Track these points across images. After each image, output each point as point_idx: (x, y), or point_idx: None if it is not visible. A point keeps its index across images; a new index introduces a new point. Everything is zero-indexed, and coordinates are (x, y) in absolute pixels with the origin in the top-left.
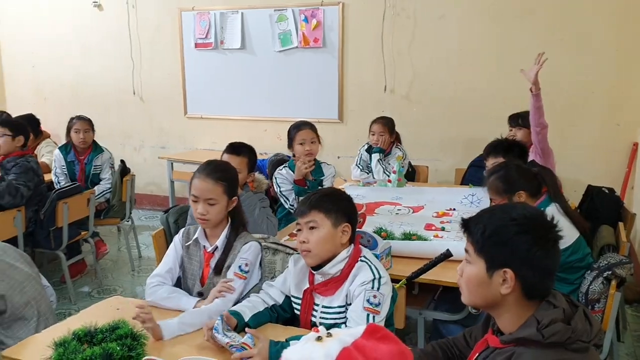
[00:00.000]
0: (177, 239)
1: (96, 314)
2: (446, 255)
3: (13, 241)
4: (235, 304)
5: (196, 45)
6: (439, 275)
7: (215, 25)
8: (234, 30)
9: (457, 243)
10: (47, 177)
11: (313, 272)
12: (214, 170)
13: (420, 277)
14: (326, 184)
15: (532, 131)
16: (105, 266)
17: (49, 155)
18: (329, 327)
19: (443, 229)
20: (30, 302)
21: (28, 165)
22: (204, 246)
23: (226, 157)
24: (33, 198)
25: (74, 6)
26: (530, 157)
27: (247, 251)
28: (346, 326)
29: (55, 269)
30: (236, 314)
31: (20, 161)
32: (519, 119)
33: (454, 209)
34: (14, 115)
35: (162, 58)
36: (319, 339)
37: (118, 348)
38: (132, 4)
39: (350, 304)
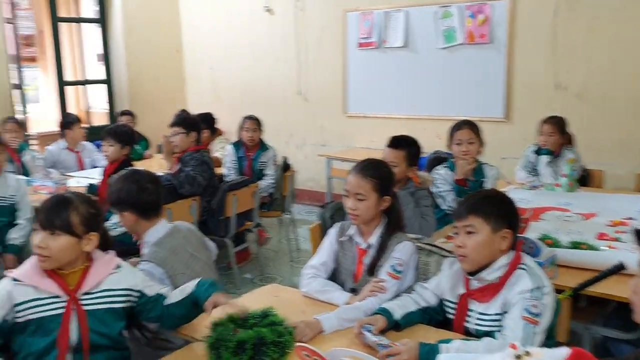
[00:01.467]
0: (333, 233)
1: (255, 300)
2: (618, 268)
3: None
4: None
5: (359, 45)
6: (611, 288)
7: (378, 24)
8: (397, 28)
9: (632, 255)
10: (218, 171)
11: (469, 277)
12: (367, 167)
13: (589, 289)
14: (487, 186)
15: None
16: (267, 255)
17: (222, 151)
18: (483, 334)
19: (618, 239)
20: (188, 265)
21: (202, 159)
22: (358, 243)
23: (386, 151)
24: (207, 189)
25: (247, 11)
26: None
27: (401, 251)
28: (502, 335)
29: (223, 255)
30: (385, 312)
31: (196, 155)
32: None
33: (632, 218)
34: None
35: (326, 59)
36: (518, 357)
37: (269, 334)
38: (300, 7)
39: (507, 312)
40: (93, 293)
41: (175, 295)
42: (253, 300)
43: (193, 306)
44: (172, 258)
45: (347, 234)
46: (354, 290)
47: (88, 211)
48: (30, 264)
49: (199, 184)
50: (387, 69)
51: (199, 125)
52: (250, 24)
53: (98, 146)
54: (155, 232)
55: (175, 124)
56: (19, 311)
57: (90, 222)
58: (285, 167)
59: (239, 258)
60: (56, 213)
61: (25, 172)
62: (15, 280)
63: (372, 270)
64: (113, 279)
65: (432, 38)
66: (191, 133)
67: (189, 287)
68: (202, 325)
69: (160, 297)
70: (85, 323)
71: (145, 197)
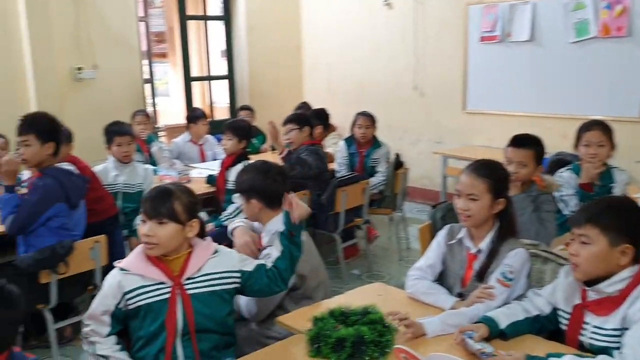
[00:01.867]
0: (441, 235)
1: (359, 297)
2: None
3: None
4: None
5: (481, 39)
6: None
7: (502, 17)
8: (523, 21)
9: None
10: (330, 166)
11: (586, 287)
12: (482, 166)
13: None
14: (616, 192)
15: None
16: (376, 253)
17: (334, 146)
18: (598, 350)
19: None
20: (320, 285)
21: (315, 150)
22: (468, 247)
23: (510, 150)
24: (318, 183)
25: (366, 6)
26: None
27: (513, 257)
28: (620, 353)
29: (331, 250)
30: (489, 320)
31: (310, 148)
32: None
33: None
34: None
35: (445, 53)
36: None
37: (370, 332)
38: (420, 1)
39: (627, 329)
40: (195, 278)
41: (273, 256)
42: (357, 297)
43: (291, 247)
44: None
45: (457, 237)
46: (461, 295)
47: (189, 200)
48: (135, 253)
49: (310, 166)
50: (511, 63)
51: (311, 120)
52: (368, 19)
53: (219, 140)
54: (278, 221)
55: (288, 120)
56: (130, 299)
57: (191, 209)
58: (398, 164)
59: (347, 254)
60: (162, 203)
61: (152, 162)
62: (123, 270)
63: (481, 276)
64: (212, 263)
65: (561, 31)
66: (304, 128)
67: (277, 243)
68: (305, 318)
69: (261, 267)
70: (190, 306)
71: (272, 186)
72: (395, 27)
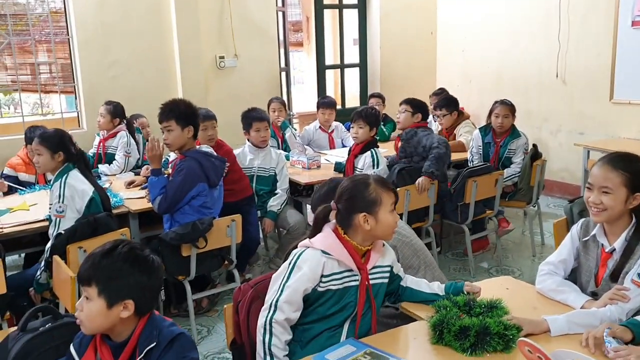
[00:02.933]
0: (575, 230)
1: (485, 289)
2: None
3: (424, 211)
4: (636, 314)
5: (633, 23)
6: None
7: None
8: None
9: None
10: (462, 155)
11: None
12: (617, 158)
13: None
14: None
15: None
16: (506, 247)
17: (466, 135)
18: None
19: None
20: (418, 253)
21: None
22: (602, 244)
23: None
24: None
25: None
26: None
27: None
28: None
29: (460, 241)
30: (636, 325)
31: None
32: None
33: None
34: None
35: (592, 39)
36: None
37: (495, 324)
38: None
39: None
40: (374, 268)
41: (417, 283)
42: (483, 290)
43: (431, 300)
44: (401, 244)
45: (591, 233)
46: (594, 294)
47: None
48: (332, 238)
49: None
50: None
51: (423, 107)
52: (508, 5)
53: (348, 128)
54: None
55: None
56: (324, 282)
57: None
58: (536, 155)
59: (476, 246)
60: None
61: (285, 147)
62: (325, 253)
63: (615, 275)
64: (383, 257)
65: None
66: (417, 114)
67: (436, 288)
68: (427, 305)
69: (398, 277)
70: (372, 294)
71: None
72: (537, 12)
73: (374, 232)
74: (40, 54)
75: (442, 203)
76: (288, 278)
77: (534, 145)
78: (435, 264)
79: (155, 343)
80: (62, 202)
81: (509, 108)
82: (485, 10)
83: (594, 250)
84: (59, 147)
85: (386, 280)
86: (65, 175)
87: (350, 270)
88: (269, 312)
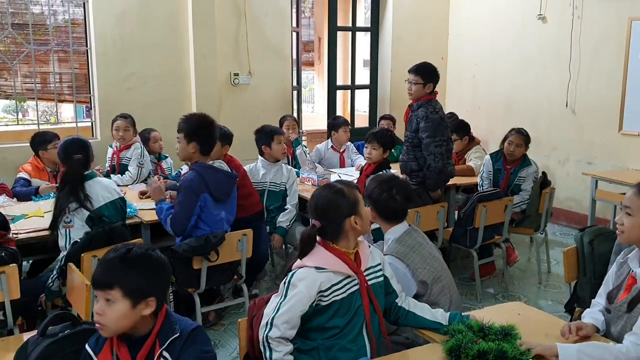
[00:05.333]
0: (619, 255)
1: (496, 314)
2: None
3: (432, 233)
4: None
5: None
6: None
7: None
8: None
9: None
10: (471, 180)
11: None
12: None
13: None
14: None
15: None
16: (513, 273)
17: (476, 160)
18: None
19: None
20: (444, 290)
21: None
22: (631, 269)
23: None
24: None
25: (518, 20)
26: None
27: None
28: None
29: (467, 265)
30: None
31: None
32: None
33: None
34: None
35: (603, 70)
36: None
37: (511, 349)
38: (577, 15)
39: None
40: (367, 270)
41: (421, 309)
42: (495, 315)
43: (433, 327)
44: (411, 253)
45: (627, 255)
46: (608, 311)
47: None
48: (322, 251)
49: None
50: None
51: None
52: (520, 33)
53: (358, 147)
54: (396, 230)
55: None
56: (326, 296)
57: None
58: (545, 182)
59: (483, 271)
60: None
61: (296, 164)
62: (319, 268)
63: (634, 303)
64: (372, 256)
65: None
66: (464, 137)
67: (439, 316)
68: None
69: (393, 291)
70: (373, 296)
71: (390, 205)
72: (549, 41)
73: (362, 229)
74: (52, 62)
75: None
76: (284, 297)
77: (543, 173)
78: (450, 278)
79: (178, 334)
80: (68, 213)
81: (523, 138)
82: (497, 38)
83: (625, 271)
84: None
85: (381, 279)
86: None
87: (349, 276)
88: (265, 328)
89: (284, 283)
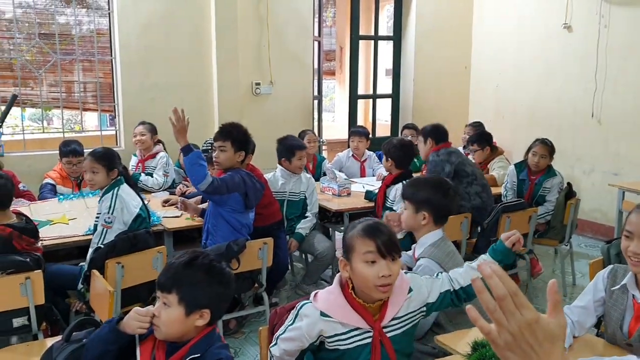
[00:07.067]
0: (601, 278)
1: None
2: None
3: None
4: None
5: None
6: None
7: None
8: None
9: None
10: (495, 190)
11: None
12: None
13: None
14: None
15: None
16: (536, 285)
17: (499, 170)
18: None
19: None
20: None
21: (433, 160)
22: (635, 296)
23: None
24: (482, 210)
25: (543, 29)
26: None
27: None
28: None
29: None
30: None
31: (432, 155)
32: None
33: None
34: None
35: (629, 80)
36: None
37: None
38: (604, 24)
39: None
40: (393, 320)
41: (464, 276)
42: None
43: None
44: (447, 260)
45: (619, 282)
46: (629, 345)
47: None
48: (334, 295)
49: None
50: None
51: (488, 140)
52: (545, 42)
53: (379, 156)
54: (433, 235)
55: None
56: (329, 342)
57: None
58: (570, 193)
59: None
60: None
61: (317, 173)
62: (324, 315)
63: None
64: (406, 304)
65: None
66: (485, 147)
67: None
68: (461, 339)
69: (447, 294)
70: (392, 350)
71: (448, 205)
72: (574, 51)
73: (356, 283)
74: (78, 72)
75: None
76: (292, 322)
77: (569, 184)
78: None
79: (197, 356)
80: (112, 213)
81: (548, 149)
82: (521, 47)
83: (623, 301)
84: (114, 165)
85: (410, 325)
86: (117, 188)
87: (360, 328)
88: (273, 343)
89: (295, 309)
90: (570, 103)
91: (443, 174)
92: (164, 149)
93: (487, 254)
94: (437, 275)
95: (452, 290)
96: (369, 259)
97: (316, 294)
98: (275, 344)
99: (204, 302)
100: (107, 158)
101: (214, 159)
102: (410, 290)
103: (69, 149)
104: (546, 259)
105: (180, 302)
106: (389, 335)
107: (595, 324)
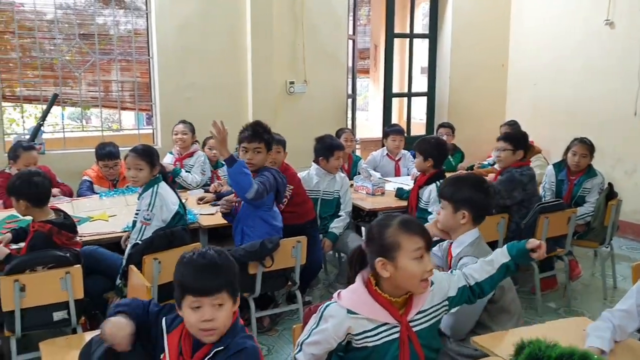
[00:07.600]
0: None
1: (560, 330)
2: None
3: (493, 245)
4: None
5: None
6: None
7: None
8: None
9: None
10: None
11: None
12: None
13: None
14: None
15: None
16: (575, 288)
17: (536, 169)
18: None
19: None
20: (515, 299)
21: (513, 177)
22: None
23: None
24: (520, 208)
25: (583, 26)
26: None
27: None
28: None
29: (527, 279)
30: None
31: (514, 171)
32: None
33: None
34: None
35: None
36: None
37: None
38: None
39: None
40: (418, 314)
41: (480, 271)
42: (558, 331)
43: (505, 272)
44: None
45: None
46: None
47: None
48: (361, 291)
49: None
50: None
51: (526, 143)
52: (585, 39)
53: (414, 155)
54: (471, 235)
55: (503, 138)
56: (357, 340)
57: None
58: (611, 194)
59: (544, 285)
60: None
61: (352, 173)
62: (350, 312)
63: None
64: (430, 297)
65: None
66: (518, 151)
67: (500, 257)
68: (500, 341)
69: (464, 290)
70: (418, 344)
71: (488, 203)
72: (617, 48)
73: (396, 281)
74: (116, 71)
75: (512, 237)
76: (316, 325)
77: (610, 184)
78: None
79: (223, 347)
80: (151, 210)
81: (588, 147)
82: (560, 44)
83: None
84: (156, 161)
85: (436, 320)
86: (157, 185)
87: (387, 323)
88: (296, 349)
89: (319, 311)
90: (611, 101)
91: (511, 194)
92: (202, 148)
93: (505, 246)
94: (451, 271)
95: (467, 285)
96: (419, 255)
97: (339, 293)
98: (300, 349)
99: (240, 288)
100: (150, 154)
101: (246, 161)
102: (432, 283)
103: (105, 152)
104: (586, 261)
105: (230, 295)
106: (415, 329)
107: (638, 329)
